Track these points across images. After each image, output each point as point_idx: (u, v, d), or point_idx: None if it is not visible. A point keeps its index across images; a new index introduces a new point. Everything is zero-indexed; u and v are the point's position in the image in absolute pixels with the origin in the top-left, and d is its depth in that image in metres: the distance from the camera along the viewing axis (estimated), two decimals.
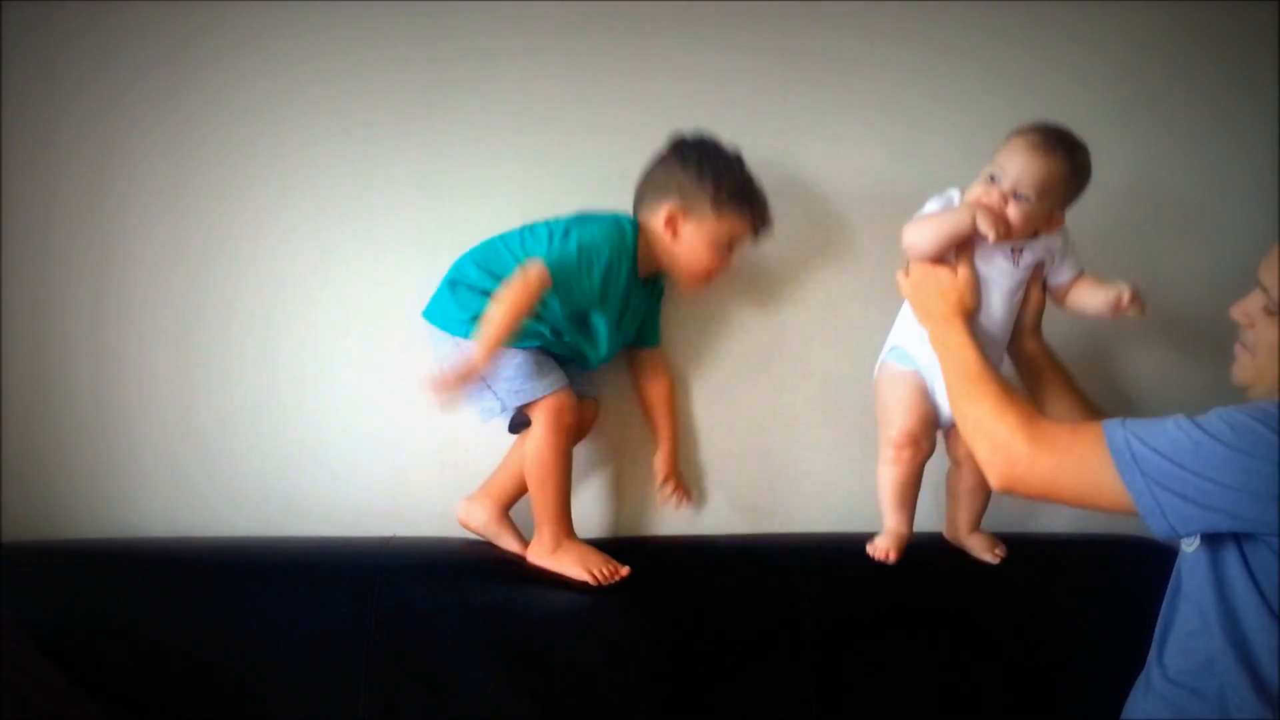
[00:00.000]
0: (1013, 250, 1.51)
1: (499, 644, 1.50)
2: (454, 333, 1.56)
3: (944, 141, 1.77)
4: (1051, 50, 1.81)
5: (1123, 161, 1.80)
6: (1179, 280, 1.81)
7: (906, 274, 1.54)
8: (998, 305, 1.52)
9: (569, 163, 1.73)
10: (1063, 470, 1.28)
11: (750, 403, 1.78)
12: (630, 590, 1.56)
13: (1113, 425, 1.26)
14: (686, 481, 1.74)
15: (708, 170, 1.57)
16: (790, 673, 1.54)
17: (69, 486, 1.66)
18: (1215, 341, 1.45)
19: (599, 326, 1.60)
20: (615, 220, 1.60)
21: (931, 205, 1.53)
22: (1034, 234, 1.50)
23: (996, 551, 1.63)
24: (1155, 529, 1.23)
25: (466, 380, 1.47)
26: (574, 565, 1.57)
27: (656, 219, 1.59)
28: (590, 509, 1.74)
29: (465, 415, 1.68)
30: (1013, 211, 1.45)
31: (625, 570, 1.57)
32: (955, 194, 1.52)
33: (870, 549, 1.54)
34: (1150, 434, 1.23)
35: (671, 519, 1.75)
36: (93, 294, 1.67)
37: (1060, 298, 1.57)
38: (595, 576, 1.55)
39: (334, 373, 1.70)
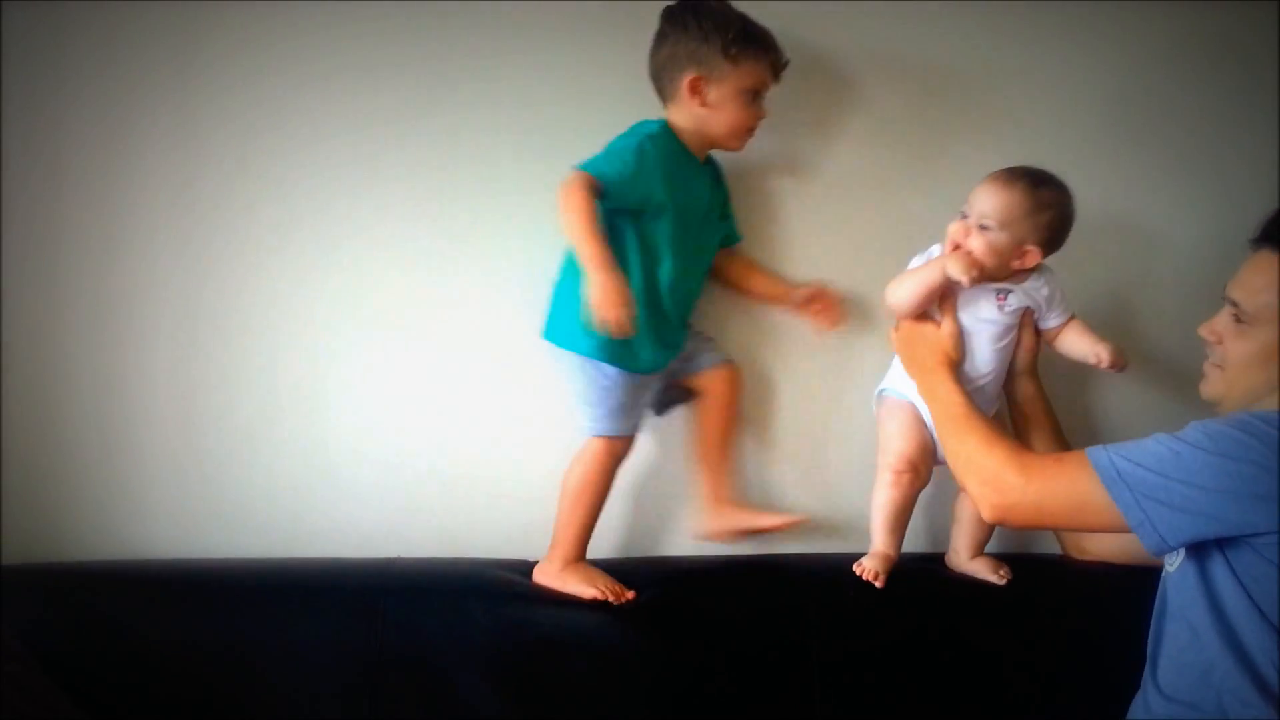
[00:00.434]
0: (997, 295, 1.57)
1: (504, 665, 1.50)
2: (567, 346, 1.56)
3: (945, 141, 1.78)
4: (1051, 50, 1.81)
5: (1122, 161, 1.82)
6: (1177, 282, 1.83)
7: (896, 330, 1.63)
8: (986, 352, 1.59)
9: (569, 163, 1.70)
10: (1053, 496, 1.34)
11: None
12: (637, 612, 1.55)
13: (1095, 449, 1.32)
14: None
15: (708, 26, 1.55)
16: (797, 693, 1.53)
17: (71, 508, 1.65)
18: None
19: (672, 250, 1.57)
20: (632, 129, 1.59)
21: (915, 261, 1.61)
22: (1009, 273, 1.57)
23: (1001, 573, 1.63)
24: (1146, 542, 1.28)
25: (615, 302, 1.42)
26: (581, 584, 1.56)
27: (681, 96, 1.58)
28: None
29: (469, 436, 1.70)
30: (976, 241, 1.52)
31: (630, 595, 1.56)
32: (936, 249, 1.59)
33: (858, 569, 1.58)
34: (1132, 451, 1.30)
35: (685, 540, 1.74)
36: (95, 314, 1.65)
37: (1050, 340, 1.65)
38: (607, 594, 1.55)
39: (338, 394, 1.69)
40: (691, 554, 1.73)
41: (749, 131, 1.62)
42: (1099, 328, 1.66)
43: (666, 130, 1.59)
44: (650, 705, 1.51)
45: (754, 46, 1.57)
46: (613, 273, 1.43)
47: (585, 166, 1.50)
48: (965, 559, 1.65)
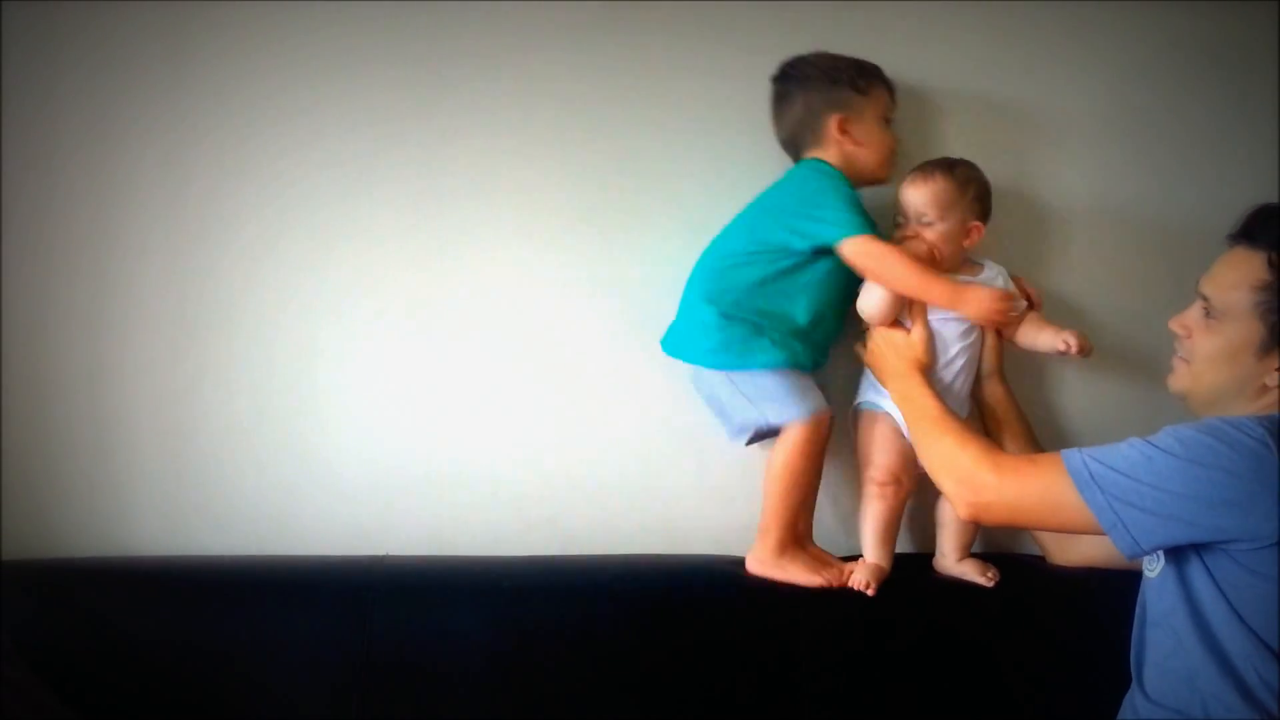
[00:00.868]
0: None
1: (494, 663, 1.50)
2: (702, 363, 1.59)
3: (943, 141, 1.78)
4: (1050, 51, 1.80)
5: (1122, 161, 1.81)
6: (1176, 282, 1.81)
7: (866, 342, 1.64)
8: (955, 354, 1.62)
9: (569, 162, 1.72)
10: (1027, 495, 1.36)
11: None
12: (629, 610, 1.56)
13: (1069, 451, 1.34)
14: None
15: (830, 70, 1.61)
16: (788, 694, 1.54)
17: (63, 505, 1.65)
18: None
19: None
20: (812, 167, 1.61)
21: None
22: (963, 260, 1.63)
23: (989, 575, 1.64)
24: (1120, 545, 1.29)
25: (997, 300, 1.56)
26: (800, 571, 1.58)
27: (830, 140, 1.61)
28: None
29: (459, 432, 1.71)
30: (928, 236, 1.59)
31: (848, 572, 1.59)
32: None
33: (851, 581, 1.59)
34: (1106, 455, 1.31)
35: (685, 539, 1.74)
36: (89, 313, 1.65)
37: (1011, 336, 1.66)
38: (824, 579, 1.57)
39: (329, 391, 1.69)
40: (688, 555, 1.73)
41: (892, 154, 1.67)
42: (1097, 328, 1.68)
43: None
44: (641, 703, 1.51)
45: (873, 75, 1.64)
46: (969, 286, 1.57)
47: (857, 230, 1.54)
48: (953, 562, 1.66)
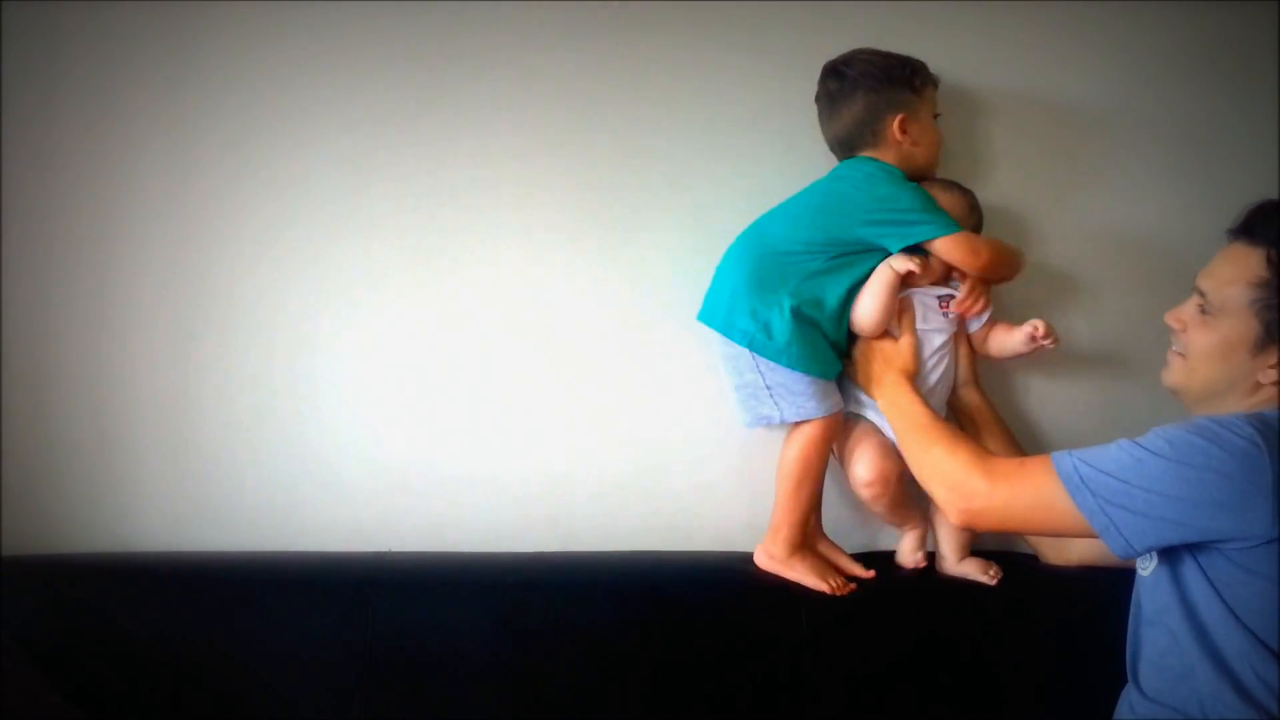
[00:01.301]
0: (940, 302, 1.63)
1: (495, 659, 1.50)
2: (763, 354, 1.57)
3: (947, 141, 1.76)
4: (1049, 51, 1.81)
5: (1122, 161, 1.82)
6: (1176, 283, 1.81)
7: (853, 350, 1.64)
8: (936, 360, 1.63)
9: (569, 162, 1.72)
10: (1018, 500, 1.36)
11: None
12: (631, 607, 1.56)
13: (1060, 454, 1.33)
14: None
15: (885, 69, 1.61)
16: (789, 693, 1.54)
17: (64, 501, 1.65)
18: None
19: None
20: (877, 167, 1.61)
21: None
22: (947, 273, 1.64)
23: (991, 573, 1.64)
24: (1113, 547, 1.29)
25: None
26: (808, 573, 1.58)
27: (891, 139, 1.61)
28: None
29: (460, 429, 1.71)
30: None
31: (852, 587, 1.60)
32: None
33: (900, 559, 1.66)
34: (1095, 457, 1.31)
35: (684, 538, 1.73)
36: (90, 311, 1.65)
37: (980, 344, 1.68)
38: (830, 586, 1.57)
39: (330, 387, 1.69)
40: (689, 551, 1.73)
41: (940, 152, 1.68)
42: (1096, 326, 1.69)
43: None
44: (643, 700, 1.51)
45: (923, 73, 1.64)
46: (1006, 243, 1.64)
47: (946, 228, 1.56)
48: (954, 562, 1.66)
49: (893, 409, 1.55)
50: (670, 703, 1.52)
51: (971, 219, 1.65)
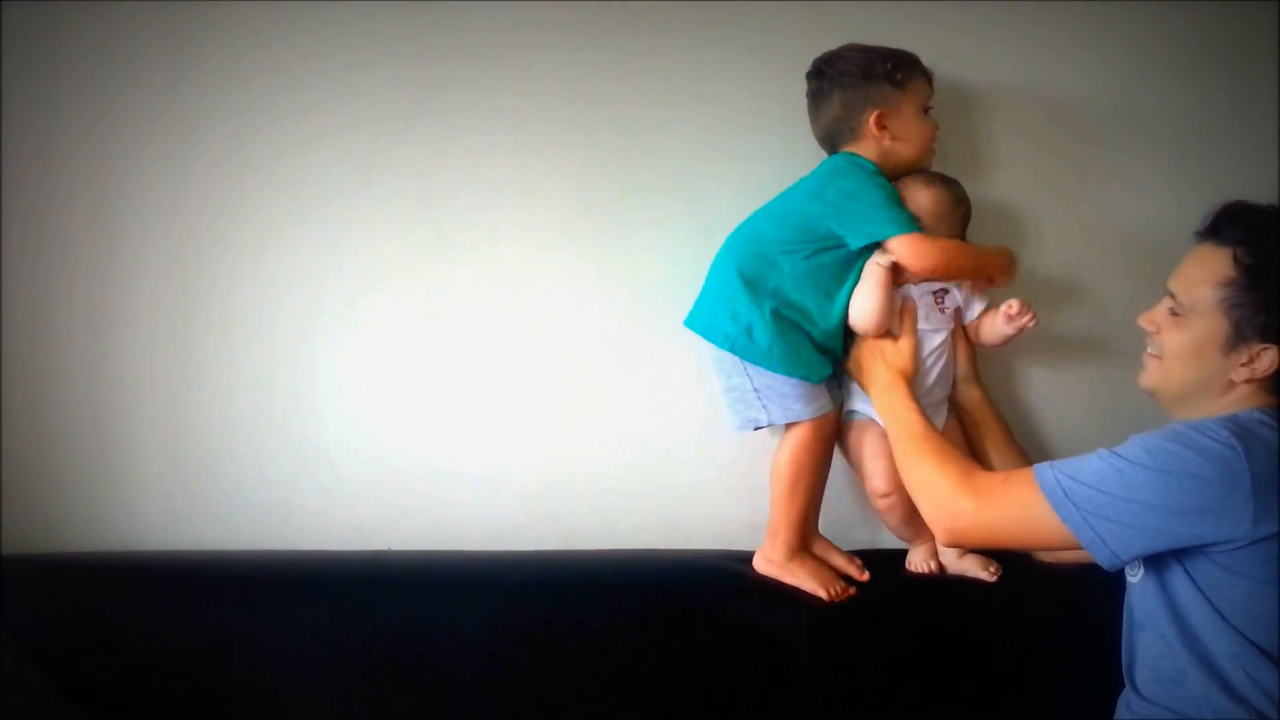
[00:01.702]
0: (935, 298, 1.63)
1: (494, 658, 1.50)
2: (745, 357, 1.57)
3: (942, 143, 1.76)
4: (1049, 50, 1.80)
5: (1121, 161, 1.81)
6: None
7: (853, 351, 1.63)
8: (935, 359, 1.62)
9: (568, 162, 1.72)
10: (1004, 518, 1.37)
11: None
12: (630, 605, 1.56)
13: (1041, 468, 1.34)
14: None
15: (865, 65, 1.60)
16: (788, 691, 1.54)
17: (64, 500, 1.65)
18: None
19: None
20: (845, 161, 1.61)
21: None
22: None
23: (992, 570, 1.63)
24: (1099, 558, 1.30)
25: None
26: (808, 579, 1.58)
27: (868, 134, 1.60)
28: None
29: (459, 428, 1.71)
30: None
31: (856, 578, 1.61)
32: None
33: (910, 567, 1.65)
34: (1076, 469, 1.31)
35: (683, 537, 1.74)
36: (90, 307, 1.66)
37: (974, 335, 1.67)
38: (829, 593, 1.57)
39: (329, 386, 1.70)
40: (689, 550, 1.72)
41: (931, 143, 1.66)
42: (1096, 323, 1.70)
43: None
44: (643, 699, 1.51)
45: (910, 66, 1.62)
46: (992, 247, 1.65)
47: (903, 227, 1.54)
48: (954, 559, 1.65)
49: (888, 413, 1.55)
50: (670, 701, 1.52)
51: (957, 211, 1.64)
